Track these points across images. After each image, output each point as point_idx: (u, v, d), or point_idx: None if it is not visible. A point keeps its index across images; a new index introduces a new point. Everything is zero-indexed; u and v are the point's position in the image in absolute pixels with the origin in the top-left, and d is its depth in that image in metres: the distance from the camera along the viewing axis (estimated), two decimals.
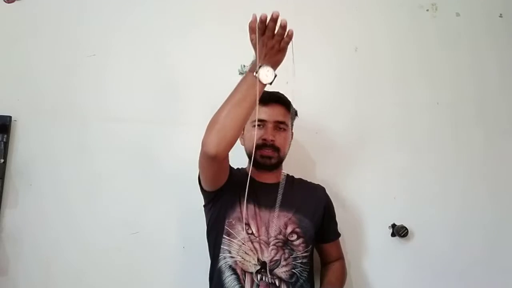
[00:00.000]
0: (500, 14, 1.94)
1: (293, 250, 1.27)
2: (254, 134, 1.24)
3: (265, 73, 1.07)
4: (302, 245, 1.29)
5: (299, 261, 1.27)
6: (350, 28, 1.85)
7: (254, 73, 1.07)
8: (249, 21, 1.06)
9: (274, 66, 1.10)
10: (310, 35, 1.80)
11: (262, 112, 1.28)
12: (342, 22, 1.85)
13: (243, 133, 1.36)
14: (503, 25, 1.93)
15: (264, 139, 1.31)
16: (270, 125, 1.32)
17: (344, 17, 1.86)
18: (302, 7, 1.82)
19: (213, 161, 1.13)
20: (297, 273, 1.26)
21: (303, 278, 1.28)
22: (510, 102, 1.87)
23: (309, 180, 1.50)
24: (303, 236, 1.29)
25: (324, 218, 1.38)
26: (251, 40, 1.07)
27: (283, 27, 1.02)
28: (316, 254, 1.48)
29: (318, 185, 1.47)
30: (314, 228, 1.33)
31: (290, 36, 1.05)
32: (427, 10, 1.91)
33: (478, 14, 1.93)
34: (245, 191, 1.21)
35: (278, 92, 1.28)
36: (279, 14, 1.00)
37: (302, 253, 1.28)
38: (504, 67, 1.89)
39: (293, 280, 1.25)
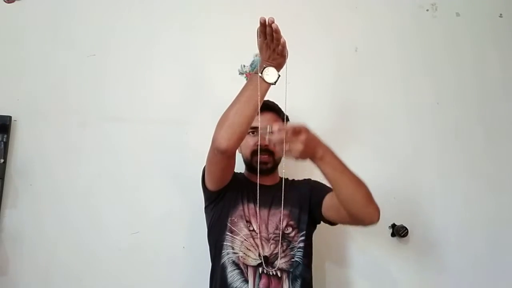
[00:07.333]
0: (500, 14, 1.94)
1: (290, 241, 1.33)
2: (249, 141, 1.33)
3: (268, 74, 1.16)
4: (297, 234, 1.35)
5: (297, 247, 1.33)
6: (350, 28, 1.85)
7: (259, 74, 1.16)
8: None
9: (278, 67, 1.18)
10: (310, 35, 1.81)
11: (255, 120, 1.34)
12: (342, 22, 1.85)
13: None
14: (503, 25, 1.94)
15: (259, 145, 1.38)
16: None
17: (344, 16, 1.86)
18: (302, 7, 1.82)
19: (223, 156, 1.21)
20: (297, 259, 1.31)
21: (305, 263, 1.32)
22: (510, 102, 1.87)
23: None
24: (296, 227, 1.35)
25: (312, 194, 1.39)
26: (258, 43, 1.15)
27: (276, 31, 1.08)
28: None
29: (305, 178, 1.50)
30: (306, 213, 1.36)
31: (282, 45, 1.12)
32: (427, 10, 1.91)
33: (478, 14, 1.93)
34: (246, 191, 1.34)
35: (269, 100, 1.33)
36: (273, 20, 1.06)
37: (297, 241, 1.33)
38: (504, 67, 1.90)
39: (293, 268, 1.30)
